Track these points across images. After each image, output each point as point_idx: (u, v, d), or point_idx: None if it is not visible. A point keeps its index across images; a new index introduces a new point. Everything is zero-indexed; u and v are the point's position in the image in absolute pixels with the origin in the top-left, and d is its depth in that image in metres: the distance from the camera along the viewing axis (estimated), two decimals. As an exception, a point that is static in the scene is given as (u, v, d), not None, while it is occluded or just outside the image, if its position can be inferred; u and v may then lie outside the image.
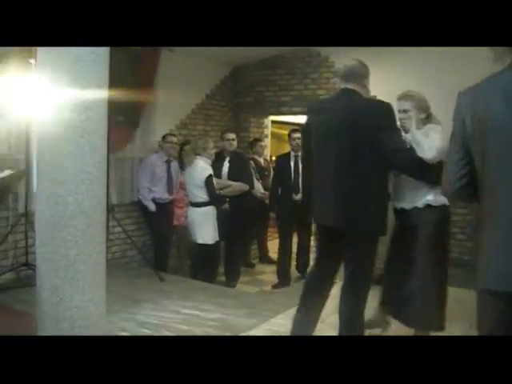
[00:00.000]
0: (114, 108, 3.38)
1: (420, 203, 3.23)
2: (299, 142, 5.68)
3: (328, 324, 3.48)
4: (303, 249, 6.36)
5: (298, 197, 5.88)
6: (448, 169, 1.94)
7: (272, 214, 6.46)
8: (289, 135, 6.30)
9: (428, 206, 3.20)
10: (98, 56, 2.58)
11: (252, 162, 6.55)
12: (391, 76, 5.61)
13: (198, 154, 5.41)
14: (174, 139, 5.81)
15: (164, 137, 5.81)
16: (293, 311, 4.05)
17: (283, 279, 6.07)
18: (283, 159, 6.30)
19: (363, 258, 2.98)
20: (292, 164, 6.10)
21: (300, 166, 5.70)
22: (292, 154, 6.16)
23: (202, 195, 5.31)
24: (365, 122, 2.82)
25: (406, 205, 3.28)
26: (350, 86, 2.96)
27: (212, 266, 5.61)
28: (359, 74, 2.98)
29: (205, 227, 5.31)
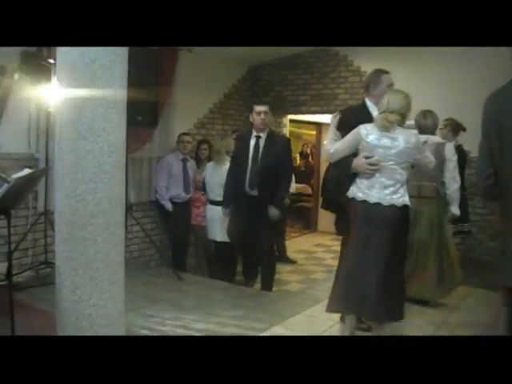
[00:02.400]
0: (132, 107, 3.40)
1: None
2: (264, 118, 4.60)
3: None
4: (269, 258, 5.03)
5: (255, 193, 4.62)
6: (478, 167, 2.11)
7: (224, 212, 4.94)
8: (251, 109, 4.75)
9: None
10: (117, 56, 2.59)
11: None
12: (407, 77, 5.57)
13: (227, 153, 5.40)
14: (186, 138, 5.83)
15: (178, 136, 5.85)
16: (311, 312, 4.05)
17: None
18: (242, 140, 4.87)
19: None
20: (251, 147, 4.68)
21: (261, 151, 4.64)
22: (254, 133, 4.70)
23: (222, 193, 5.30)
24: None
25: None
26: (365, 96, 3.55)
27: (230, 265, 5.61)
28: (366, 85, 3.52)
29: (223, 225, 5.30)
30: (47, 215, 4.50)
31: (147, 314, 3.85)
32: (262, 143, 4.67)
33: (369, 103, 3.47)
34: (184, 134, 5.91)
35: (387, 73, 3.48)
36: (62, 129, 2.59)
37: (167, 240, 6.03)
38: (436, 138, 4.30)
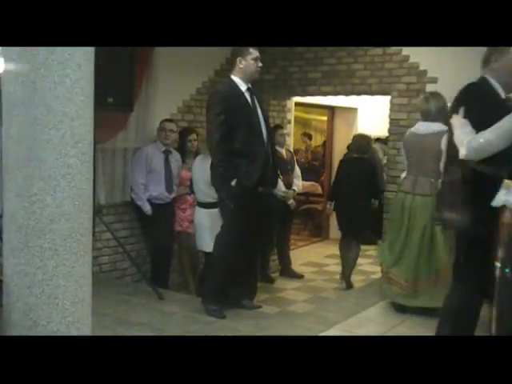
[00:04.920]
0: (102, 87, 3.36)
1: None
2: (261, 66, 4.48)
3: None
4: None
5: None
6: None
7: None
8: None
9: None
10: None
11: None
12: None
13: None
14: (169, 125, 5.82)
15: (160, 123, 5.85)
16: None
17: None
18: (233, 94, 4.39)
19: None
20: (251, 104, 4.41)
21: (259, 109, 4.44)
22: (243, 84, 4.40)
23: (213, 194, 5.27)
24: None
25: None
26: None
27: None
28: (487, 57, 3.37)
29: (215, 233, 5.27)
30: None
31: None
32: (255, 97, 4.48)
33: (491, 80, 3.37)
34: (166, 120, 5.90)
35: None
36: (11, 112, 2.57)
37: (145, 250, 6.03)
38: (434, 126, 4.45)
